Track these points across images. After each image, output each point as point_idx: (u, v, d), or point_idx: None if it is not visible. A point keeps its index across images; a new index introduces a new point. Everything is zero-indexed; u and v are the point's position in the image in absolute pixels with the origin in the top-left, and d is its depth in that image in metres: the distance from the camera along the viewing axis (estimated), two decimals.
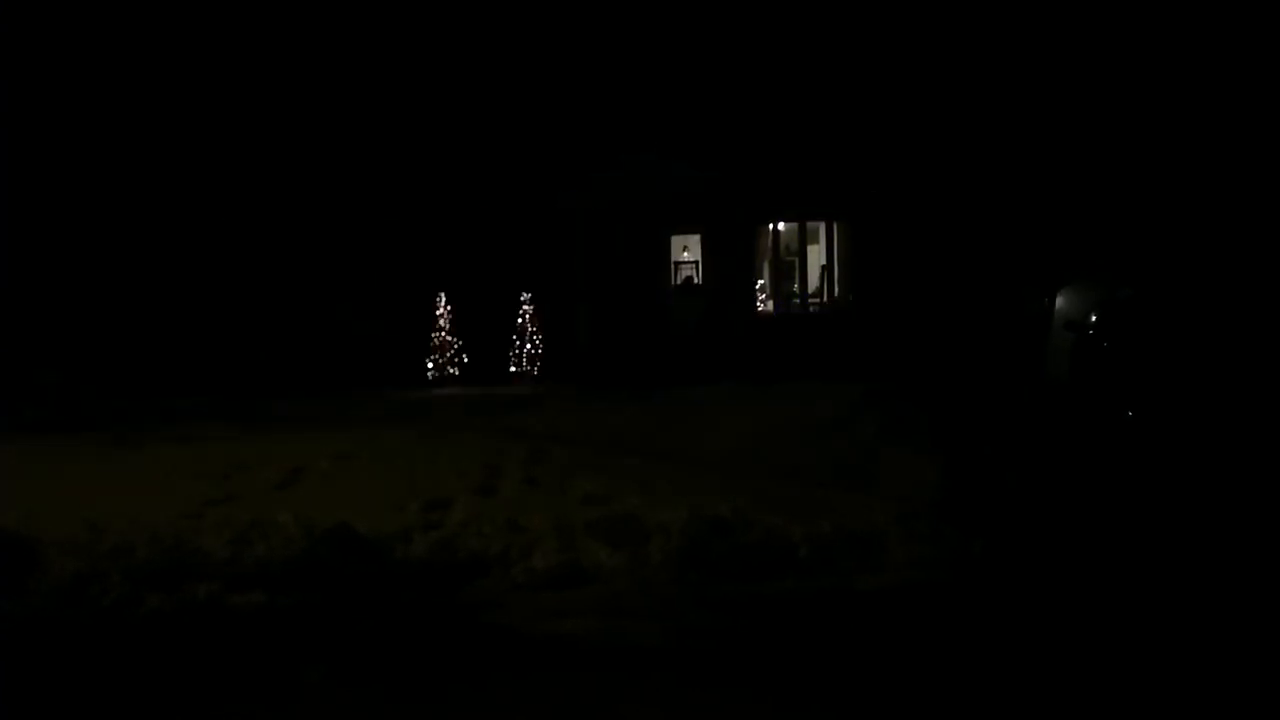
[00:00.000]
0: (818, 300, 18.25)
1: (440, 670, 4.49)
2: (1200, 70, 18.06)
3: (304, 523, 6.33)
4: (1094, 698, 3.99)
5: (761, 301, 18.58)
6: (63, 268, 17.35)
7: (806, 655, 4.56)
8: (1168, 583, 5.48)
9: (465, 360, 17.96)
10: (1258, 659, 4.37)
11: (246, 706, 4.16)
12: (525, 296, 18.25)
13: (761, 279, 18.68)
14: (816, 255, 18.48)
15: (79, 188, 17.66)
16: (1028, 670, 4.30)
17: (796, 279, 18.65)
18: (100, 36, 18.15)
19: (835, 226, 18.22)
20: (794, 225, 18.43)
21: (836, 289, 18.26)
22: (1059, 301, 12.08)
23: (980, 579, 5.60)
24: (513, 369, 17.82)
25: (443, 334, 17.95)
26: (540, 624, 5.04)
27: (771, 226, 18.46)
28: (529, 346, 17.80)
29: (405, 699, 4.17)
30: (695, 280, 18.40)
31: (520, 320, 18.03)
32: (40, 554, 6.02)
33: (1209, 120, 17.92)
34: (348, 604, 5.42)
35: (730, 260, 17.83)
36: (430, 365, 17.83)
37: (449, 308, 18.01)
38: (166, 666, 4.64)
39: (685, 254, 18.50)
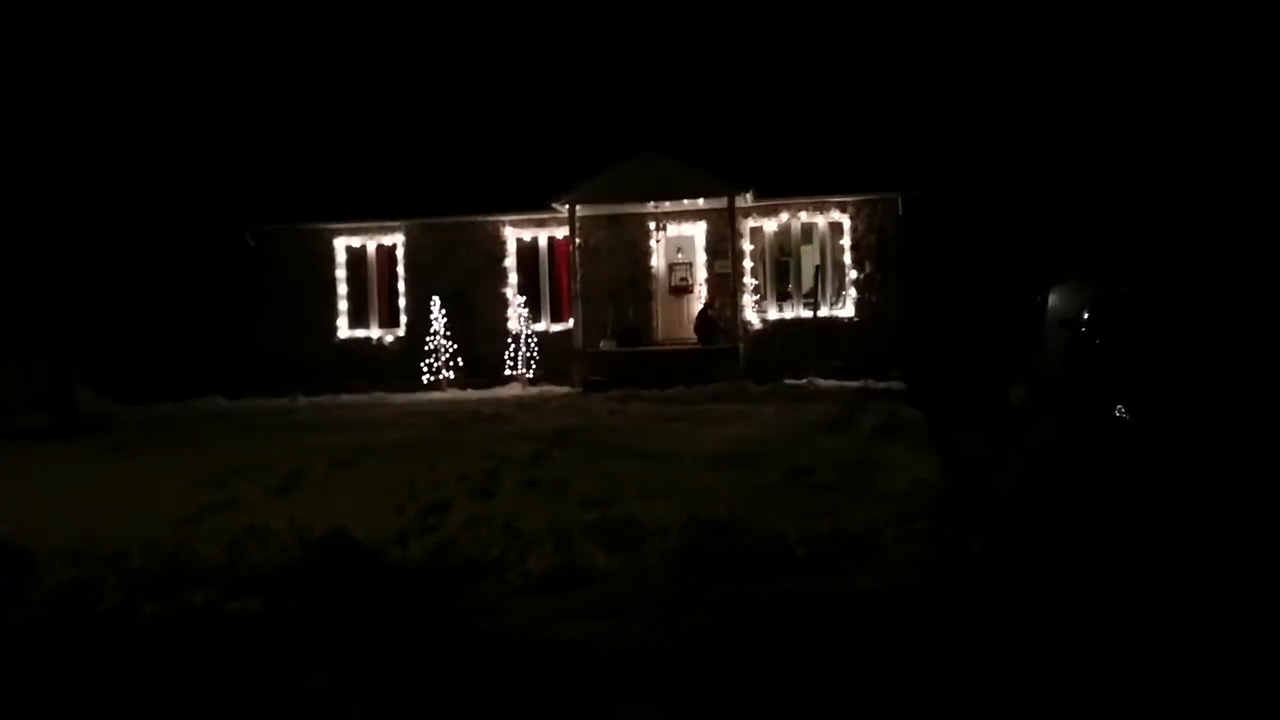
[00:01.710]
0: (812, 301, 18.29)
1: (439, 675, 4.48)
2: (1194, 71, 18.11)
3: (301, 528, 6.32)
4: (1093, 697, 4.00)
5: (757, 302, 18.60)
6: (61, 272, 17.31)
7: (804, 656, 4.57)
8: (1165, 580, 5.50)
9: (461, 364, 17.96)
10: (1256, 658, 4.38)
11: (247, 712, 4.16)
12: (520, 300, 18.26)
13: (756, 279, 18.70)
14: (811, 255, 18.51)
15: (77, 192, 17.63)
16: (1027, 670, 4.31)
17: (791, 279, 18.67)
18: (102, 41, 18.15)
19: (829, 227, 18.27)
20: (788, 226, 18.46)
21: (830, 289, 18.30)
22: (1052, 299, 12.09)
23: (979, 579, 5.61)
24: (509, 371, 17.81)
25: (439, 338, 17.95)
26: (538, 628, 5.04)
27: (766, 227, 18.49)
28: (524, 349, 17.80)
29: (405, 704, 4.17)
30: (690, 281, 18.43)
31: (516, 323, 18.03)
32: (36, 561, 6.00)
33: (1202, 119, 17.98)
34: (346, 610, 5.41)
35: (724, 261, 17.86)
36: (426, 369, 17.83)
37: (444, 312, 18.01)
38: (165, 673, 4.63)
39: (679, 255, 18.52)
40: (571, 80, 20.70)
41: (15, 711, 4.28)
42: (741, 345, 17.40)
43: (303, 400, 16.28)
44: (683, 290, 18.36)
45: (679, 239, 18.49)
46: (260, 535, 6.29)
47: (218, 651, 4.87)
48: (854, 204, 17.94)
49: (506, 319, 18.53)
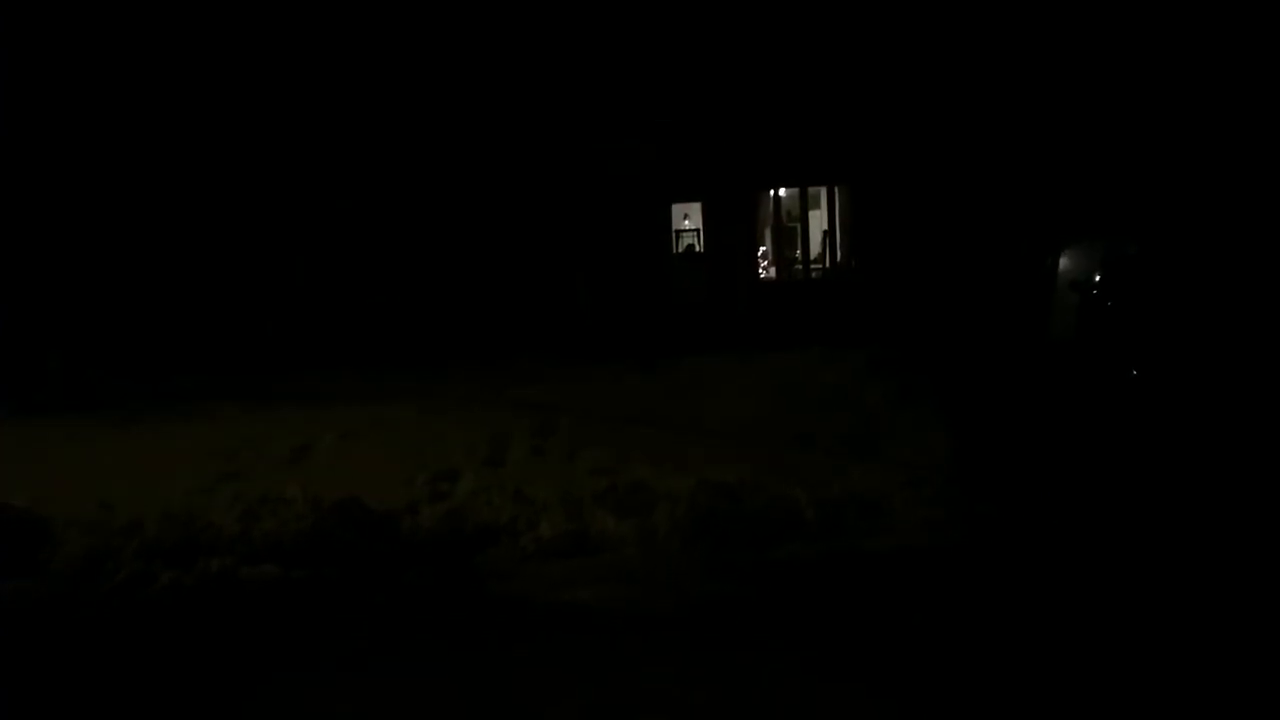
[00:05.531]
0: (820, 266, 18.20)
1: (453, 639, 4.53)
2: (1205, 30, 17.84)
3: (312, 497, 6.36)
4: (1099, 655, 4.02)
5: (764, 268, 18.53)
6: (68, 249, 17.35)
7: (815, 616, 4.60)
8: (1175, 543, 5.50)
9: (467, 333, 17.95)
10: (1267, 622, 4.38)
11: (268, 677, 4.21)
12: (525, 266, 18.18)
13: (764, 245, 18.62)
14: (818, 220, 18.40)
15: (83, 169, 17.60)
16: (1034, 627, 4.33)
17: (799, 245, 18.58)
18: (101, 33, 18.03)
19: (836, 191, 18.13)
20: (795, 191, 18.34)
21: (839, 254, 18.21)
22: (1063, 261, 12.00)
23: (988, 541, 5.63)
24: (515, 339, 17.79)
25: (442, 307, 17.93)
26: (550, 593, 5.08)
27: (772, 193, 18.37)
28: (530, 317, 17.78)
29: (420, 668, 4.21)
30: (697, 248, 18.35)
31: (521, 291, 17.99)
32: (52, 532, 6.06)
33: (1213, 72, 17.72)
34: (359, 576, 5.46)
35: (732, 227, 17.76)
36: (431, 338, 17.82)
37: (445, 279, 17.98)
38: (183, 641, 4.68)
39: (686, 222, 18.43)
40: (580, 42, 20.46)
41: (36, 680, 4.34)
42: (749, 312, 17.35)
43: (308, 372, 16.28)
44: (689, 256, 18.28)
45: (685, 205, 18.38)
46: (273, 504, 6.33)
47: (235, 618, 4.92)
48: (861, 167, 17.77)
49: (511, 285, 18.45)
